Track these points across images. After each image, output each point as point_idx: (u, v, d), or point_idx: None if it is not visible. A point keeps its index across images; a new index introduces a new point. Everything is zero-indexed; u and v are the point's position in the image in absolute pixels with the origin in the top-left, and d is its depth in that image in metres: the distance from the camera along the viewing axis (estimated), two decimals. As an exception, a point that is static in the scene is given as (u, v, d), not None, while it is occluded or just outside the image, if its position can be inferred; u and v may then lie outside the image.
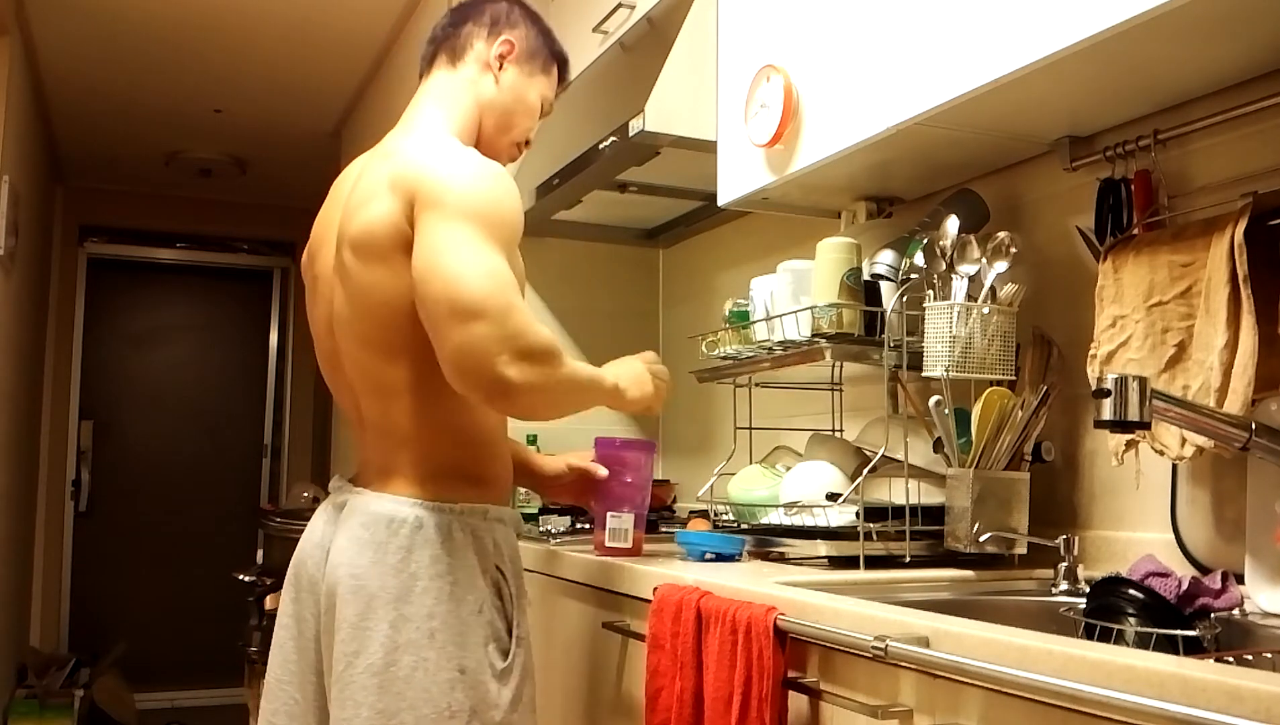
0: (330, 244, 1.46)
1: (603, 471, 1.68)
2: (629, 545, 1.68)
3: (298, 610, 1.44)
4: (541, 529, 2.15)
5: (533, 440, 2.61)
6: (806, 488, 1.67)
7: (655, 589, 1.40)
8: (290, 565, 1.48)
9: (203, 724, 4.88)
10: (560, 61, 1.63)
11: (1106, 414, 1.15)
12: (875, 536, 1.53)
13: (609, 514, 1.69)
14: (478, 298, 1.24)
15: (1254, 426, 1.22)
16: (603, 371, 1.48)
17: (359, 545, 1.34)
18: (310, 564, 1.42)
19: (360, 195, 1.39)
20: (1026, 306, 1.61)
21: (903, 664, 1.02)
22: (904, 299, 1.62)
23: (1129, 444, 1.43)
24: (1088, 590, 1.29)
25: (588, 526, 2.20)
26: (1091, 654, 0.82)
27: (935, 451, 1.57)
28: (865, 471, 1.62)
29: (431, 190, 1.31)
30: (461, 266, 1.26)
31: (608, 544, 1.68)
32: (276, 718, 1.43)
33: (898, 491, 1.57)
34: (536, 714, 1.42)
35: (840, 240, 1.68)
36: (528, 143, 1.61)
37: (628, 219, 2.82)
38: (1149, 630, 1.16)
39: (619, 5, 2.26)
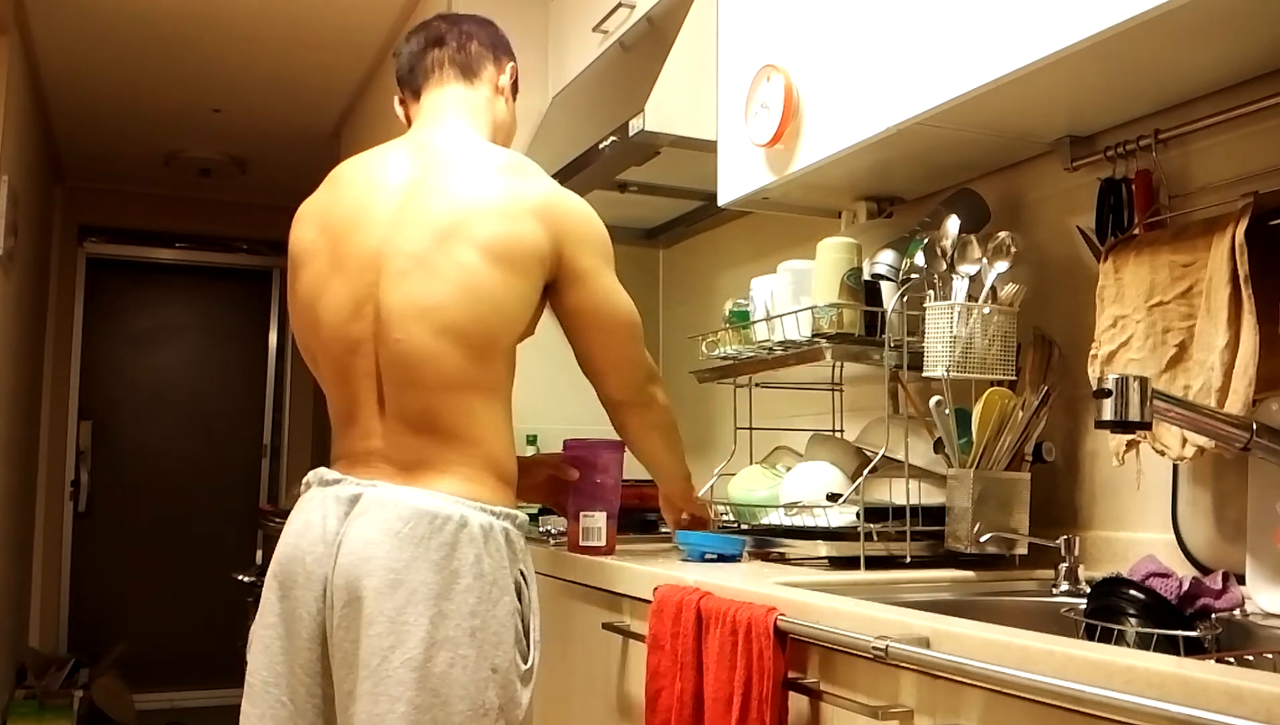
0: (371, 227, 1.45)
1: (573, 473, 1.70)
2: (603, 543, 1.71)
3: (289, 609, 1.38)
4: (541, 529, 2.15)
5: (533, 440, 2.61)
6: (807, 488, 1.66)
7: (655, 589, 1.40)
8: (277, 562, 1.42)
9: (202, 724, 4.88)
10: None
11: (1107, 414, 1.15)
12: (876, 537, 1.53)
13: (582, 514, 1.72)
14: (639, 328, 1.61)
15: (1255, 427, 1.22)
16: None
17: (396, 539, 1.33)
18: (309, 560, 1.37)
19: (482, 200, 1.45)
20: (1027, 306, 1.61)
21: (903, 665, 1.02)
22: (904, 299, 1.62)
23: (1130, 444, 1.43)
24: (1088, 591, 1.29)
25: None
26: (1092, 655, 0.82)
27: (936, 452, 1.57)
28: (866, 472, 1.61)
29: (585, 235, 1.54)
30: (627, 303, 1.59)
31: (582, 543, 1.72)
32: (263, 722, 1.38)
33: (898, 492, 1.57)
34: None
35: (840, 240, 1.68)
36: None
37: (628, 219, 2.82)
38: (1150, 631, 1.16)
39: (619, 5, 2.26)
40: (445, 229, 1.43)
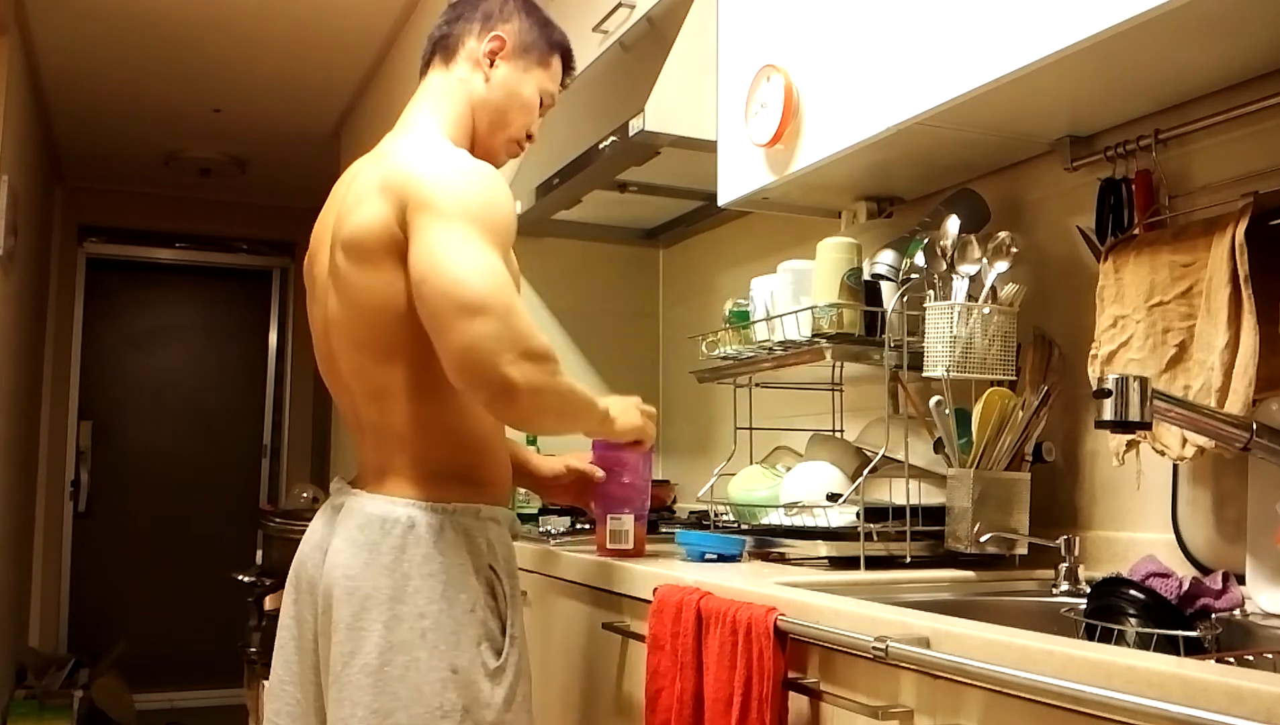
0: (327, 247, 1.46)
1: (600, 473, 1.68)
2: (630, 546, 1.69)
3: (298, 612, 1.45)
4: (541, 529, 2.15)
5: (532, 441, 2.60)
6: (807, 488, 1.66)
7: (655, 589, 1.40)
8: (291, 567, 1.49)
9: (202, 724, 4.88)
10: (562, 52, 1.59)
11: (1107, 414, 1.14)
12: (876, 537, 1.53)
13: (609, 515, 1.69)
14: (481, 295, 1.24)
15: (1255, 427, 1.21)
16: (595, 397, 1.46)
17: (354, 547, 1.35)
18: (309, 565, 1.43)
19: (353, 199, 1.40)
20: (1027, 306, 1.61)
21: (903, 665, 1.02)
22: (904, 299, 1.62)
23: (1130, 444, 1.43)
24: (1088, 591, 1.29)
25: (588, 526, 2.20)
26: (1092, 655, 0.82)
27: (936, 452, 1.57)
28: (866, 472, 1.61)
29: (423, 193, 1.31)
30: (463, 265, 1.26)
31: (609, 545, 1.69)
32: (279, 718, 1.44)
33: (898, 492, 1.57)
34: (532, 713, 1.42)
35: (840, 240, 1.68)
36: (530, 137, 1.58)
37: (628, 219, 2.81)
38: (1150, 631, 1.16)
39: (619, 5, 2.26)
40: (332, 241, 1.42)
